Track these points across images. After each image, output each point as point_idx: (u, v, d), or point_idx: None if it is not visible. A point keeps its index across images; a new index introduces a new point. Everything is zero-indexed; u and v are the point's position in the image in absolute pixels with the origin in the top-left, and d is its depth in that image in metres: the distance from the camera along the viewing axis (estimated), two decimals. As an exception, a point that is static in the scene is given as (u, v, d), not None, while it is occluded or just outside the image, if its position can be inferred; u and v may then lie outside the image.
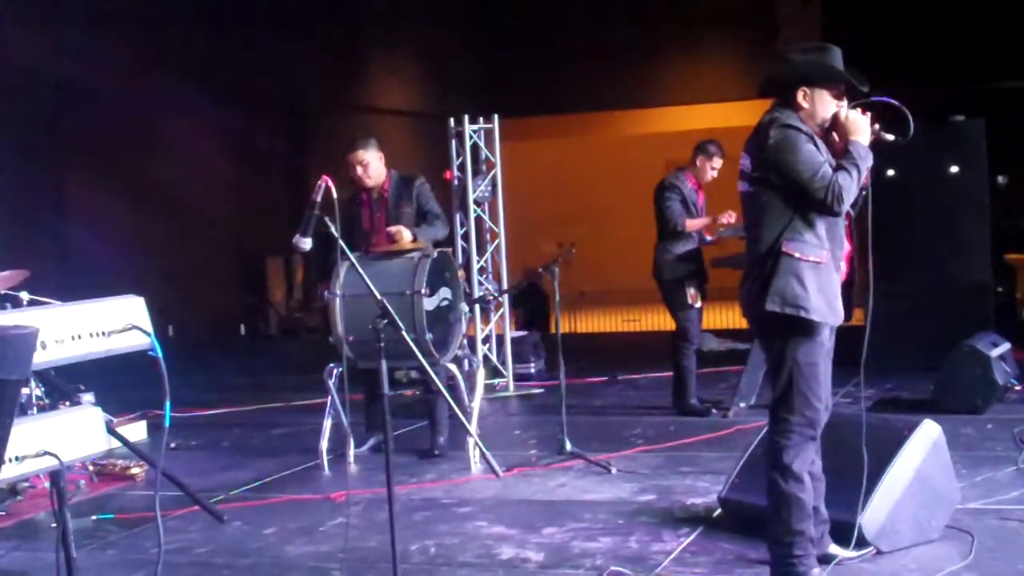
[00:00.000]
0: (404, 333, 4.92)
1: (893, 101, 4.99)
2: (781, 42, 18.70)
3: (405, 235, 7.99)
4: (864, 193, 5.03)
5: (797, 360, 4.87)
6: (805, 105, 4.94)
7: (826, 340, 4.96)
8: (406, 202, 8.18)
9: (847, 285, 5.24)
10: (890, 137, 5.00)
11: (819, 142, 4.91)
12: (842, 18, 17.77)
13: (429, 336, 7.54)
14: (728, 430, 8.61)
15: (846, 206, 4.80)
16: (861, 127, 4.89)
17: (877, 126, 4.96)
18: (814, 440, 4.95)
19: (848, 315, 5.10)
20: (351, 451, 8.13)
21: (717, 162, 9.25)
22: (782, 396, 4.92)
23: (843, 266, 5.10)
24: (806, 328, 4.84)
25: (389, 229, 8.00)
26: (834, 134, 4.98)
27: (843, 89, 4.98)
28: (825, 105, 4.95)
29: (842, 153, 4.89)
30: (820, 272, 4.86)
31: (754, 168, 4.96)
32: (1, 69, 12.99)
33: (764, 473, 5.03)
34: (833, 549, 5.25)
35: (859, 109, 4.97)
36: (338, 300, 7.68)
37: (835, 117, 4.94)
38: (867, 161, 4.86)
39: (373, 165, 8.15)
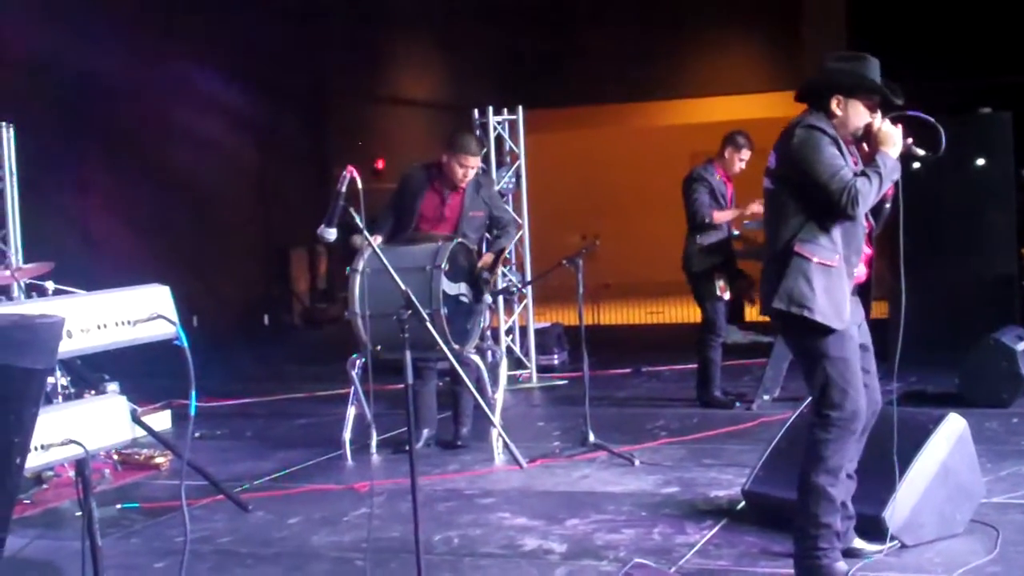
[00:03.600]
0: (426, 316, 4.93)
1: (928, 117, 4.99)
2: (806, 34, 18.64)
3: (488, 259, 8.28)
4: (888, 206, 5.12)
5: (829, 356, 4.87)
6: (839, 113, 4.96)
7: (855, 334, 4.98)
8: (480, 207, 8.23)
9: (865, 285, 5.25)
10: (921, 152, 5.02)
11: (844, 148, 4.91)
12: (867, 9, 17.69)
13: (445, 311, 7.53)
14: (752, 423, 8.60)
15: (861, 210, 4.81)
16: (893, 139, 4.90)
17: (910, 140, 4.98)
18: (854, 434, 4.93)
19: (867, 312, 5.12)
20: (374, 441, 8.16)
21: (746, 154, 9.22)
22: (822, 395, 4.92)
23: (862, 268, 5.11)
24: (818, 326, 4.85)
25: (484, 259, 8.23)
26: (865, 145, 4.99)
27: (877, 100, 4.99)
28: (859, 115, 4.97)
29: (869, 162, 4.90)
30: (830, 275, 4.88)
31: (778, 166, 4.99)
32: (24, 61, 13.03)
33: (789, 466, 5.02)
34: (858, 543, 5.24)
35: (893, 122, 4.97)
36: (359, 276, 7.70)
37: (868, 128, 4.96)
38: (894, 174, 4.89)
39: (475, 171, 8.20)
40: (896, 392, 5.22)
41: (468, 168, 8.09)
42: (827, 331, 4.85)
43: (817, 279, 4.84)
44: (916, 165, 5.06)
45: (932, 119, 4.98)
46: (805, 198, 4.87)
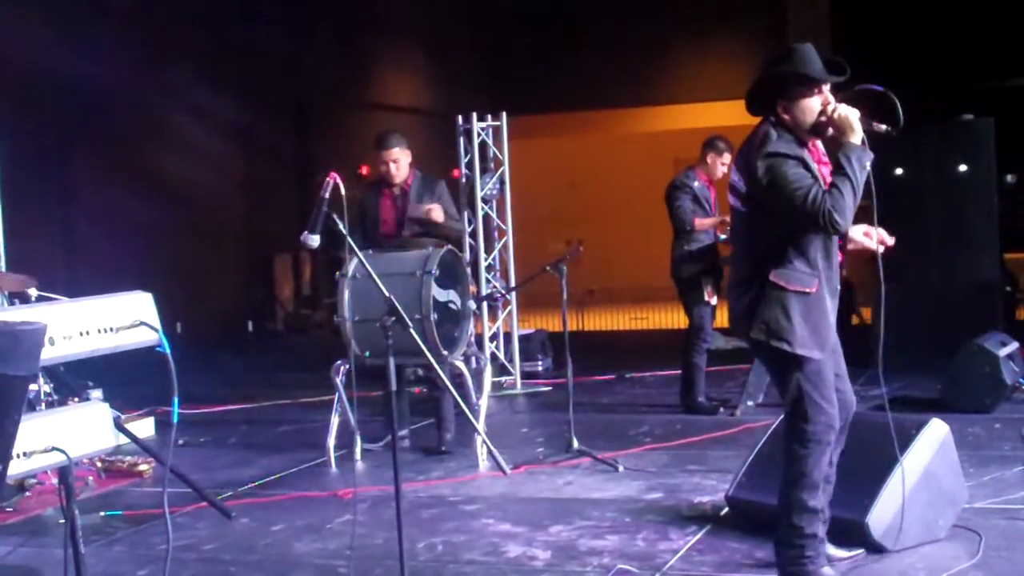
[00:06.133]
0: (409, 323, 4.94)
1: (879, 88, 4.85)
2: (789, 39, 18.66)
3: (437, 213, 8.24)
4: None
5: (803, 370, 4.84)
6: (786, 117, 4.82)
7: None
8: (427, 199, 8.34)
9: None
10: (883, 127, 4.83)
11: (809, 158, 4.78)
12: (850, 15, 17.76)
13: (434, 316, 7.54)
14: (735, 429, 8.61)
15: (845, 224, 4.67)
16: (851, 124, 4.74)
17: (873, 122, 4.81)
18: (830, 445, 4.91)
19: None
20: (358, 448, 8.14)
21: (727, 158, 9.26)
22: (795, 407, 4.88)
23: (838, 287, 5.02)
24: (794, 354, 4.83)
25: (431, 208, 8.21)
26: (830, 130, 4.82)
27: (821, 87, 4.83)
28: (805, 110, 4.81)
29: (834, 162, 4.79)
30: (808, 302, 4.80)
31: (748, 192, 4.88)
32: (9, 65, 13.00)
33: (773, 472, 5.02)
34: (830, 549, 5.24)
35: (848, 102, 4.84)
36: (347, 280, 7.70)
37: (823, 115, 4.80)
38: (863, 160, 4.71)
39: (402, 163, 8.37)
40: (882, 397, 5.20)
41: (389, 162, 8.32)
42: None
43: (794, 308, 4.77)
44: (883, 127, 4.85)
45: (882, 88, 4.83)
46: (780, 225, 4.77)
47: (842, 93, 4.88)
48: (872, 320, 10.80)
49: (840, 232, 4.73)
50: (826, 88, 4.85)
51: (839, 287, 4.98)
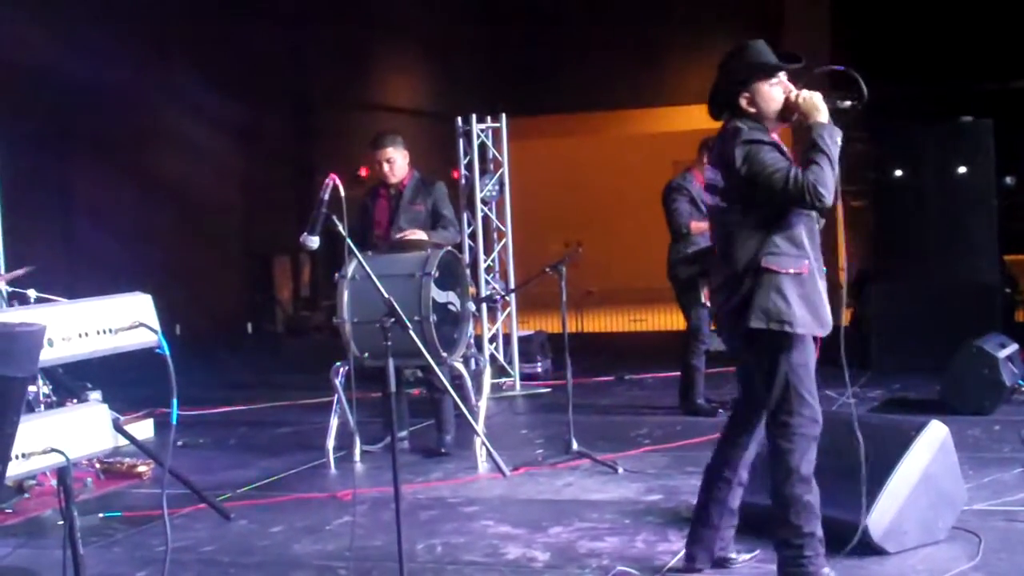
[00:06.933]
0: (408, 325, 4.94)
1: (839, 68, 4.92)
2: (788, 42, 18.66)
3: (417, 234, 8.15)
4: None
5: (791, 363, 4.82)
6: (751, 109, 4.86)
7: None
8: (421, 201, 8.35)
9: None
10: (847, 104, 4.88)
11: (783, 145, 4.83)
12: (850, 17, 17.76)
13: (433, 318, 7.53)
14: (735, 430, 8.59)
15: (830, 197, 4.69)
16: (816, 104, 4.79)
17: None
18: (816, 439, 4.90)
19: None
20: (357, 450, 8.14)
21: (724, 159, 9.26)
22: (781, 401, 4.86)
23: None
24: (794, 337, 4.82)
25: (406, 232, 8.10)
26: (795, 117, 4.86)
27: (779, 75, 4.88)
28: (769, 98, 4.86)
29: (806, 143, 4.79)
30: (803, 283, 4.81)
31: (727, 185, 4.90)
32: (9, 65, 13.00)
33: (768, 478, 5.02)
34: (732, 554, 5.38)
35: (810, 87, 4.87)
36: (346, 282, 7.70)
37: (787, 103, 4.85)
38: (834, 136, 4.75)
39: (398, 162, 8.37)
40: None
41: (383, 161, 8.35)
42: (798, 340, 4.84)
43: (790, 290, 4.77)
44: (847, 104, 4.89)
45: (842, 67, 4.89)
46: (766, 212, 4.79)
47: (803, 80, 4.92)
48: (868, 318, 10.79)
49: (826, 205, 4.74)
50: (783, 76, 4.90)
51: (826, 269, 4.99)
